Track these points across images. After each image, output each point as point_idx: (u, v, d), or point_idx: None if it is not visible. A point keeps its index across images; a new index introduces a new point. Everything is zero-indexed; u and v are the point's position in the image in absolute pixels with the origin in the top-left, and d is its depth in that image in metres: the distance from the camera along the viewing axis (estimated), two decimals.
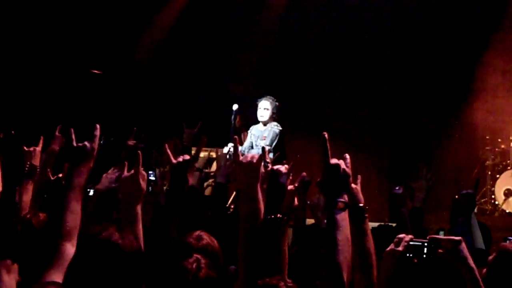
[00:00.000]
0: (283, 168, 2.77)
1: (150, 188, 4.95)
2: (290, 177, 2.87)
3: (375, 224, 4.84)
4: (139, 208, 3.05)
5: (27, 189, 3.58)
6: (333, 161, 2.52)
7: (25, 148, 3.76)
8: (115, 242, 2.38)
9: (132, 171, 3.09)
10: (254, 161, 2.76)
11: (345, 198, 2.48)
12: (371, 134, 11.18)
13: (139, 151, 3.11)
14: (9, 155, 2.96)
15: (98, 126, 2.96)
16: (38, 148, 3.80)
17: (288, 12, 11.29)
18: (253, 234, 2.65)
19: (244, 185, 2.77)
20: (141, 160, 3.10)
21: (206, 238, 2.87)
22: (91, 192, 5.16)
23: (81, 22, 10.53)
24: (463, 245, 2.52)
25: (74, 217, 2.74)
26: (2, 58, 9.99)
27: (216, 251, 2.79)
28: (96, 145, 2.93)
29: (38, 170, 3.73)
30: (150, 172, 5.00)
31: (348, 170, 2.55)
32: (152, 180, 4.96)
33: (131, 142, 4.79)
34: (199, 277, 2.41)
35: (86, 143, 2.92)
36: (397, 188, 4.43)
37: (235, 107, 8.81)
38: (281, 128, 8.62)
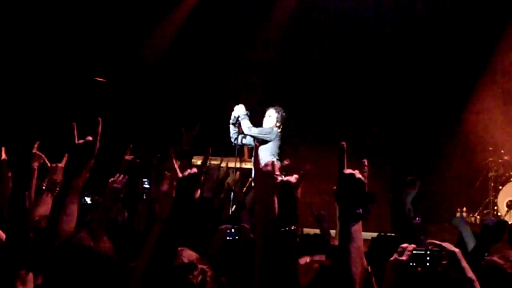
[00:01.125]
0: (293, 178, 2.69)
1: (144, 195, 4.92)
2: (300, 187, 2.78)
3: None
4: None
5: (45, 201, 3.56)
6: (348, 170, 2.45)
7: (48, 163, 3.79)
8: (87, 246, 2.39)
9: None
10: (272, 170, 2.66)
11: (360, 209, 2.41)
12: (373, 143, 11.18)
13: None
14: (17, 160, 2.85)
15: (100, 120, 2.78)
16: (61, 165, 3.77)
17: (293, 20, 11.33)
18: (269, 244, 2.58)
19: (261, 194, 2.67)
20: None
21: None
22: (88, 201, 5.15)
23: (85, 30, 10.57)
24: (461, 256, 2.50)
25: (69, 219, 2.66)
26: (6, 66, 10.02)
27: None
28: (97, 142, 2.77)
29: (58, 185, 3.69)
30: (145, 180, 4.92)
31: (364, 179, 2.47)
32: (147, 188, 4.88)
33: (128, 157, 4.75)
34: None
35: (88, 138, 2.76)
36: (417, 219, 4.45)
37: (241, 109, 8.72)
38: (279, 131, 8.53)
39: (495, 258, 2.71)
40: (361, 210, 2.41)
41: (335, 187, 2.47)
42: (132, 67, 11.03)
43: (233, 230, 3.80)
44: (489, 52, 10.58)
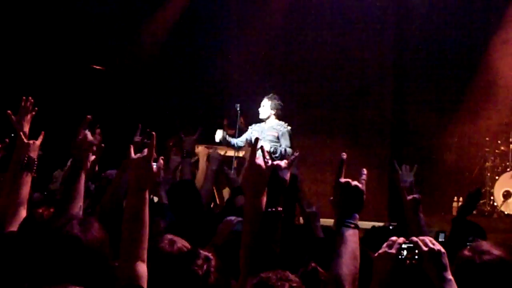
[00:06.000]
0: (282, 163, 2.78)
1: None
2: (291, 171, 2.85)
3: (369, 225, 4.84)
4: (147, 195, 2.69)
5: (26, 181, 3.54)
6: (343, 180, 2.55)
7: (24, 140, 3.71)
8: (75, 235, 2.41)
9: (143, 153, 2.74)
10: (264, 166, 2.75)
11: (357, 219, 2.52)
12: (370, 133, 11.19)
13: (153, 133, 2.78)
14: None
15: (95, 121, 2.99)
16: (38, 142, 3.73)
17: (291, 9, 11.29)
18: (255, 231, 2.67)
19: (252, 187, 2.75)
20: (154, 144, 2.75)
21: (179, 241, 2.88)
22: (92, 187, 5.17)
23: (82, 17, 10.52)
24: (445, 256, 2.47)
25: (78, 208, 2.85)
26: (2, 53, 9.96)
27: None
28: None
29: (36, 163, 3.65)
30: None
31: (362, 187, 2.55)
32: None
33: (137, 139, 4.76)
34: (208, 283, 2.42)
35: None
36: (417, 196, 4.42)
37: (237, 107, 8.78)
38: (289, 127, 8.54)
39: (464, 252, 2.72)
40: (357, 219, 2.52)
41: (331, 197, 2.56)
42: (130, 54, 10.99)
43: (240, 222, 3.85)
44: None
